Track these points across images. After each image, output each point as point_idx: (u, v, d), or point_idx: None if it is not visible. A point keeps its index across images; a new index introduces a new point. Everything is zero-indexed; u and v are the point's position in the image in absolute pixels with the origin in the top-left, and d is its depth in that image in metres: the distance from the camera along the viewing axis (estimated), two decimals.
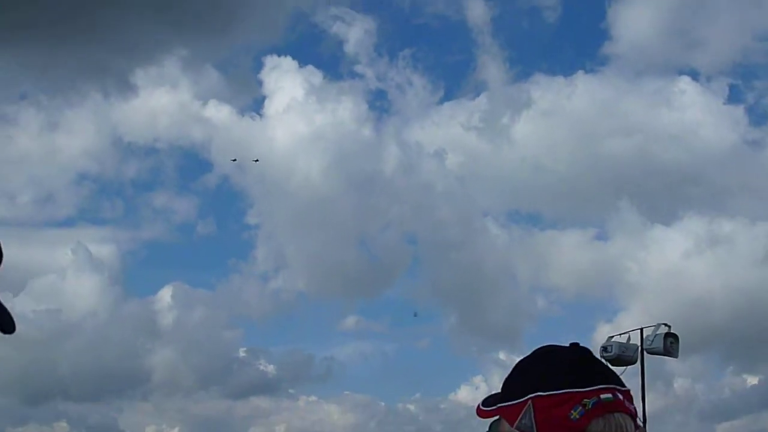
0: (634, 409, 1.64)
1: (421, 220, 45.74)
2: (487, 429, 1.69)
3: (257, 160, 40.92)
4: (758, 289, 35.53)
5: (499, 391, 1.69)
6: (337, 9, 44.69)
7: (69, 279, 41.28)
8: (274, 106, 43.49)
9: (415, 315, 44.66)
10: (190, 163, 50.82)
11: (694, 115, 43.14)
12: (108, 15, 39.88)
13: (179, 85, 46.27)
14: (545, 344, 1.71)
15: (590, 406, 1.56)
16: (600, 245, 44.69)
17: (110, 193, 55.01)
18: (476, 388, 37.09)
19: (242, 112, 45.63)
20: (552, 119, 44.51)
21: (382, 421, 43.81)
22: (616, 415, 1.58)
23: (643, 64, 54.75)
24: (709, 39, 49.78)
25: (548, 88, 44.53)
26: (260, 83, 44.42)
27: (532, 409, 1.59)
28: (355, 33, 44.06)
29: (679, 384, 35.76)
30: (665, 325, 17.66)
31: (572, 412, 1.56)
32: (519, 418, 1.60)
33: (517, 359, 1.73)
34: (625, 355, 16.89)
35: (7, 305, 0.87)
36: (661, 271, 38.24)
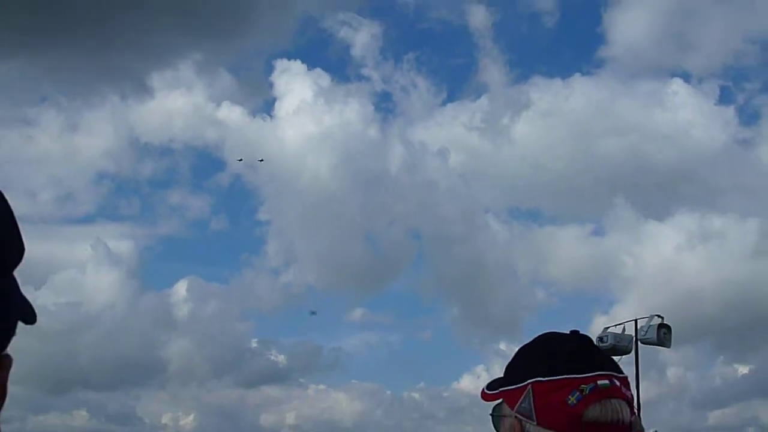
0: (631, 395, 1.63)
1: (425, 216, 45.93)
2: (491, 411, 1.69)
3: (262, 160, 40.98)
4: (748, 282, 35.60)
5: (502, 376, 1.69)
6: (345, 14, 44.93)
7: (89, 273, 41.68)
8: (284, 107, 43.84)
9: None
10: (204, 163, 51.06)
11: (686, 116, 43.27)
12: (125, 21, 39.99)
13: (193, 88, 46.78)
14: (546, 331, 1.71)
15: (587, 392, 1.55)
16: (596, 240, 44.87)
17: (128, 191, 55.20)
18: (478, 377, 37.14)
19: (254, 113, 46.00)
20: (550, 120, 44.66)
21: (388, 409, 44.04)
22: (613, 400, 1.57)
23: (637, 67, 55.05)
24: (700, 42, 49.97)
25: (547, 89, 44.74)
26: (271, 86, 44.83)
27: (531, 393, 1.59)
28: (362, 37, 44.34)
29: (672, 373, 35.78)
30: (658, 316, 17.66)
31: (570, 397, 1.55)
32: (519, 402, 1.60)
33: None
34: (620, 345, 16.90)
35: (29, 298, 0.88)
36: (654, 265, 38.28)
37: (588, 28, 51.15)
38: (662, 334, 17.31)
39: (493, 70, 49.13)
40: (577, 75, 47.45)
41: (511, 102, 45.89)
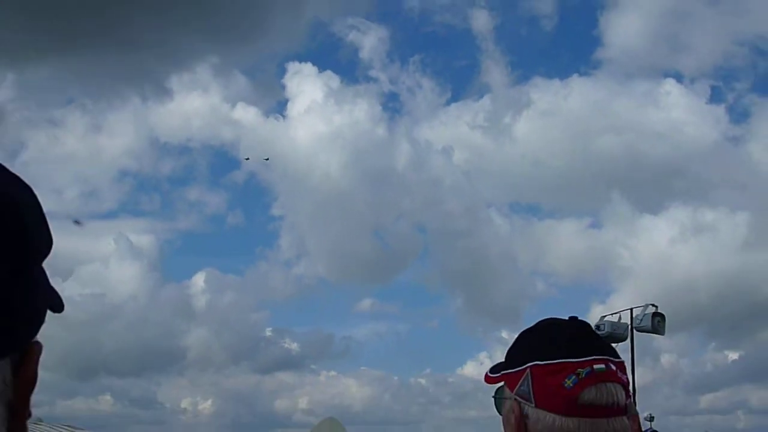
0: (627, 379, 1.63)
1: (430, 211, 45.95)
2: (494, 394, 1.69)
3: (267, 159, 40.92)
4: (738, 272, 35.52)
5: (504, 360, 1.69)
6: (353, 19, 44.61)
7: (112, 266, 41.74)
8: (296, 108, 43.66)
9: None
10: (221, 161, 50.92)
11: (679, 115, 43.01)
12: (146, 26, 40.00)
13: (210, 90, 46.55)
14: (547, 317, 1.71)
15: (583, 375, 1.55)
16: (594, 233, 44.79)
17: (148, 188, 55.08)
18: (481, 364, 37.13)
19: (267, 113, 46.17)
20: (550, 119, 44.43)
21: (396, 394, 44.16)
22: (608, 384, 1.56)
23: (632, 68, 54.72)
24: (692, 45, 49.58)
25: (546, 90, 44.49)
26: (283, 87, 44.83)
27: (530, 376, 1.59)
28: (370, 41, 44.14)
29: (666, 359, 35.88)
30: (653, 305, 17.58)
31: (566, 380, 1.55)
32: (518, 385, 1.60)
33: None
34: (616, 333, 16.84)
35: (57, 289, 0.88)
36: (649, 257, 38.22)
37: (585, 31, 50.60)
38: (656, 323, 17.25)
39: (494, 72, 48.83)
40: (575, 76, 47.17)
41: (512, 102, 45.68)
